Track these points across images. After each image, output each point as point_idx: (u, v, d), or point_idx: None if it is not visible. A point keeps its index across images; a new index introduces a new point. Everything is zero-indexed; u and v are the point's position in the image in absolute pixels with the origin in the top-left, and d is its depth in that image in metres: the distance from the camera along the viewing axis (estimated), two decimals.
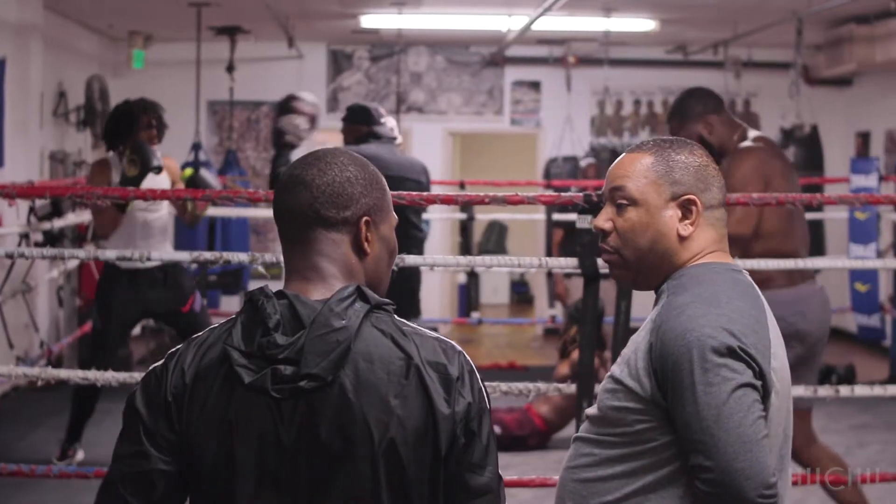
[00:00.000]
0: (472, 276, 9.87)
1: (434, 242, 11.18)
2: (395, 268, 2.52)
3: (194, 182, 6.66)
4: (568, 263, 4.86)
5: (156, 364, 2.31)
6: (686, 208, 2.60)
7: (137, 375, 4.68)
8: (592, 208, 4.76)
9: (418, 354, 2.22)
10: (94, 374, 4.67)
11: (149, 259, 4.49)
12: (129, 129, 6.70)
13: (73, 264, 8.89)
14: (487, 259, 4.96)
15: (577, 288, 9.37)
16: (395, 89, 12.99)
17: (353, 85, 13.16)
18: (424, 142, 12.89)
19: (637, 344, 2.55)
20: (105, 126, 6.95)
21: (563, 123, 12.84)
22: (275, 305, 2.19)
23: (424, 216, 8.30)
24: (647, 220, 2.60)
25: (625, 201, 2.61)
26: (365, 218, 2.31)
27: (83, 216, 8.00)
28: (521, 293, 16.01)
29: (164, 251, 6.92)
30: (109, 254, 4.57)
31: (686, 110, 5.31)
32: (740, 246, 5.03)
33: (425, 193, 5.38)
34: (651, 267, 2.64)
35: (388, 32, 12.01)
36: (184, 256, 4.67)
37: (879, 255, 9.15)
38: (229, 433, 2.17)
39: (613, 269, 2.71)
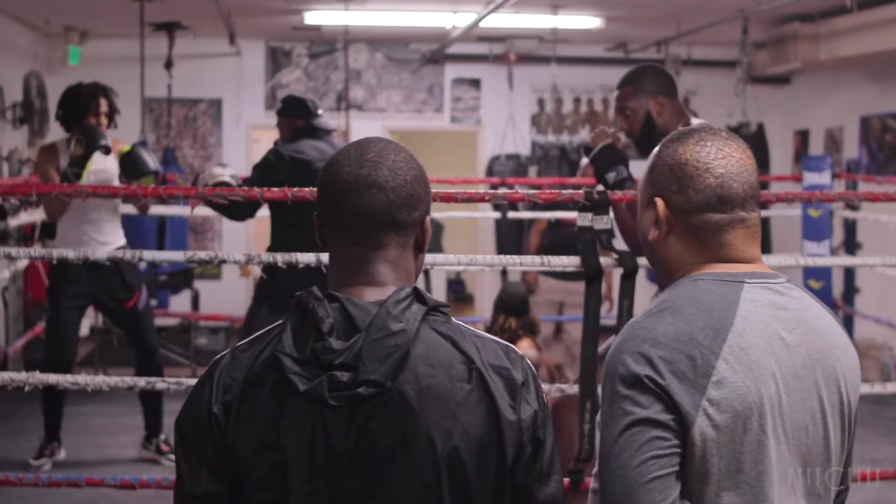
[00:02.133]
0: (425, 273, 9.80)
1: None
2: None
3: (130, 158, 6.53)
4: (570, 262, 4.79)
5: (200, 376, 2.21)
6: (654, 211, 2.39)
7: (128, 380, 4.53)
8: (593, 206, 4.71)
9: (480, 358, 2.13)
10: (83, 379, 4.52)
11: (141, 259, 4.35)
12: (79, 111, 6.77)
13: (21, 265, 8.70)
14: (489, 258, 4.89)
15: (544, 285, 9.35)
16: (334, 87, 12.88)
17: (292, 82, 13.01)
18: None
19: None
20: (57, 109, 6.94)
21: (503, 121, 12.80)
22: (326, 309, 2.10)
23: None
24: (639, 219, 2.47)
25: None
26: (427, 217, 2.24)
27: (35, 216, 7.83)
28: (457, 292, 15.94)
29: (116, 231, 7.11)
30: (101, 254, 4.42)
31: (643, 82, 5.19)
32: None
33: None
34: (655, 270, 2.49)
35: (329, 29, 11.90)
36: (178, 256, 4.53)
37: (833, 252, 9.22)
38: (280, 444, 2.07)
39: None
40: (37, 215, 7.82)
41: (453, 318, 2.19)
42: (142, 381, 4.43)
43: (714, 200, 2.34)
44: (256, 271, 13.96)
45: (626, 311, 4.75)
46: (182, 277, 9.86)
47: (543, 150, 12.16)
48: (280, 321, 2.17)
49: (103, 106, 6.85)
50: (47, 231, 8.44)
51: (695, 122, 5.24)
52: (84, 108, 6.77)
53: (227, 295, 12.45)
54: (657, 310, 2.29)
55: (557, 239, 9.30)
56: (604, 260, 4.75)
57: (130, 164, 6.49)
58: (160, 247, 9.15)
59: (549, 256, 4.83)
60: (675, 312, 2.26)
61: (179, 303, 11.11)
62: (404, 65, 13.20)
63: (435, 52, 12.92)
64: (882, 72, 11.28)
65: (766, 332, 2.27)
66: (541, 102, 13.19)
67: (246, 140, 13.02)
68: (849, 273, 9.88)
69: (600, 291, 4.75)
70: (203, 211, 9.93)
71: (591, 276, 4.72)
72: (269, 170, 5.94)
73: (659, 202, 2.38)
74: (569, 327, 9.55)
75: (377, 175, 2.16)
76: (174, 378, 4.67)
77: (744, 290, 2.30)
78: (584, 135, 13.10)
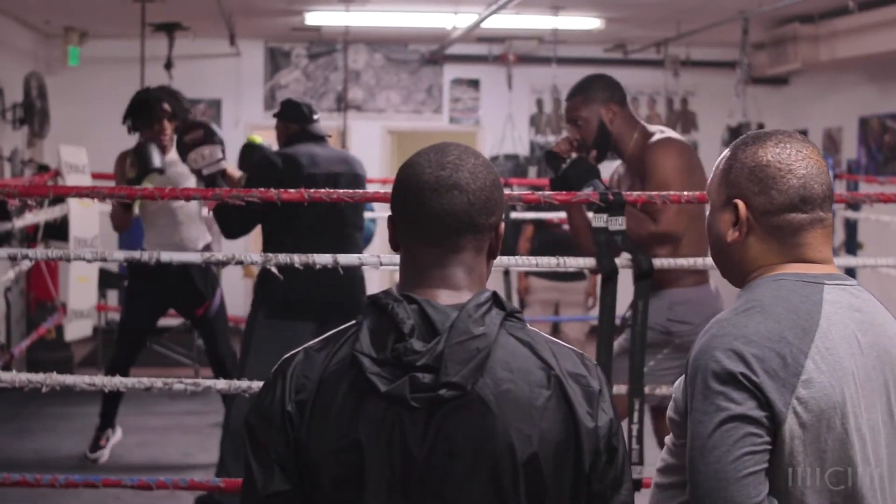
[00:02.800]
0: None
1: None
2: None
3: (139, 152, 6.52)
4: (586, 263, 4.80)
5: (271, 375, 2.20)
6: (734, 212, 2.42)
7: (146, 381, 4.54)
8: (608, 207, 4.72)
9: (558, 364, 2.14)
10: (99, 380, 4.52)
11: (158, 261, 4.35)
12: (148, 118, 6.86)
13: (25, 265, 8.69)
14: (504, 259, 4.90)
15: (536, 285, 9.33)
16: (334, 87, 12.89)
17: (291, 83, 13.02)
18: (362, 140, 12.77)
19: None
20: (125, 114, 7.00)
21: (502, 122, 12.81)
22: (406, 310, 2.10)
23: (370, 215, 8.23)
24: (710, 221, 2.49)
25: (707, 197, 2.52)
26: (501, 223, 2.25)
27: (39, 217, 7.82)
28: None
29: (201, 233, 7.21)
30: (118, 255, 4.43)
31: (593, 91, 5.17)
32: (672, 243, 4.98)
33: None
34: (723, 270, 2.53)
35: (328, 30, 11.91)
36: (195, 258, 4.53)
37: (834, 252, 9.23)
38: (357, 445, 2.06)
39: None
40: (41, 216, 7.80)
41: (528, 325, 2.20)
42: (159, 383, 4.43)
43: (797, 201, 2.38)
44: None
45: (640, 311, 4.76)
46: None
47: (543, 150, 12.18)
48: (353, 322, 2.17)
49: (167, 110, 6.88)
50: (51, 232, 8.43)
51: (651, 129, 5.22)
52: (151, 114, 6.86)
53: (226, 295, 12.40)
54: (744, 308, 2.34)
55: (546, 240, 9.30)
56: (618, 260, 4.76)
57: (139, 159, 6.48)
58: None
59: (563, 258, 4.84)
60: (764, 311, 2.31)
61: None
62: (403, 65, 13.21)
63: (434, 52, 12.94)
64: (881, 73, 11.31)
65: (846, 333, 2.32)
66: (539, 103, 13.21)
67: (245, 140, 12.98)
68: (850, 273, 9.89)
69: (615, 292, 4.75)
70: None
71: (607, 275, 4.74)
72: (261, 176, 5.92)
73: (740, 204, 2.41)
74: (565, 327, 9.56)
75: (458, 177, 2.16)
76: (191, 379, 4.68)
77: (825, 292, 2.35)
78: None
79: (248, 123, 12.95)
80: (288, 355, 2.21)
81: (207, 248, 7.25)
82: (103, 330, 9.90)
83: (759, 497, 2.20)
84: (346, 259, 4.61)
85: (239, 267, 12.47)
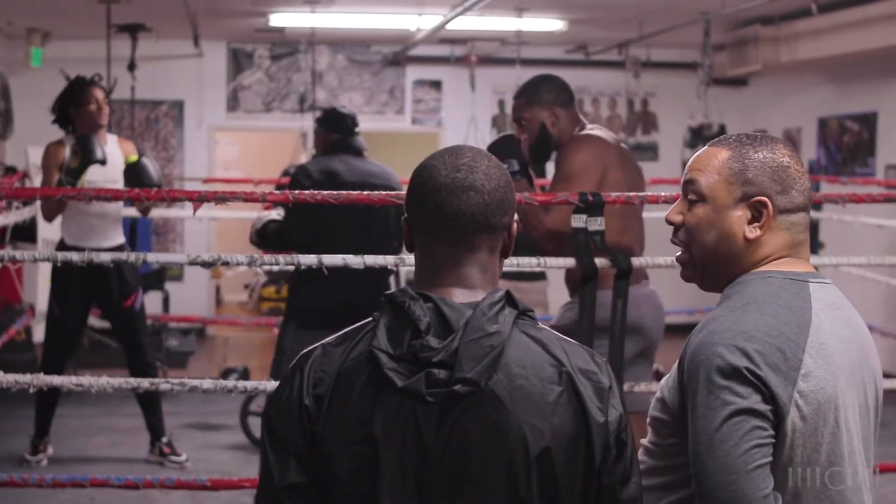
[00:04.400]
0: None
1: None
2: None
3: (136, 169, 6.58)
4: (566, 262, 4.87)
5: (289, 370, 2.26)
6: (757, 210, 2.46)
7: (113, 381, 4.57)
8: (587, 208, 4.79)
9: (569, 361, 2.20)
10: (87, 380, 4.55)
11: (145, 261, 4.40)
12: (76, 108, 6.90)
13: None
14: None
15: (522, 286, 9.40)
16: (296, 88, 12.91)
17: (254, 84, 13.03)
18: None
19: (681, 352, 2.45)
20: (52, 107, 7.04)
21: (465, 123, 12.86)
22: (422, 308, 2.16)
23: None
24: (713, 219, 2.48)
25: (695, 196, 2.50)
26: (514, 223, 2.31)
27: (10, 218, 7.81)
28: None
29: (117, 234, 7.17)
30: (105, 256, 4.45)
31: (537, 93, 5.24)
32: (555, 240, 5.02)
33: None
34: (716, 268, 2.52)
35: (291, 31, 11.91)
36: (181, 258, 4.57)
37: None
38: (373, 438, 2.12)
39: (682, 268, 2.58)
40: (11, 217, 7.80)
41: (540, 323, 2.26)
42: (146, 383, 4.47)
43: (809, 201, 2.51)
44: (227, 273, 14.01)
45: (619, 311, 4.83)
46: (154, 279, 9.86)
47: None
48: (370, 318, 2.23)
49: (99, 94, 6.95)
50: (20, 233, 8.42)
51: (589, 127, 5.28)
52: (80, 98, 6.90)
53: (191, 297, 12.45)
54: (739, 305, 2.39)
55: None
56: (597, 260, 4.83)
57: (135, 176, 6.53)
58: (132, 248, 9.14)
59: (545, 258, 4.91)
60: (760, 308, 2.37)
61: (148, 304, 11.07)
62: (366, 67, 13.24)
63: (396, 54, 12.97)
64: (840, 74, 11.47)
65: (833, 329, 2.39)
66: (501, 104, 13.28)
67: (208, 142, 13.02)
68: None
69: (595, 292, 4.82)
70: (165, 212, 9.97)
71: (587, 275, 4.80)
72: (296, 187, 5.93)
73: (767, 201, 2.46)
74: None
75: (474, 178, 2.22)
76: (177, 379, 4.71)
77: (811, 289, 2.42)
78: None
79: (210, 124, 12.96)
80: (306, 351, 2.26)
81: (121, 248, 7.23)
82: None
83: (767, 489, 2.25)
84: (355, 260, 4.72)
85: (200, 269, 12.50)
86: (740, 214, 2.47)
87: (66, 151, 6.73)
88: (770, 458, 2.29)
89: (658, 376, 6.26)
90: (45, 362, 6.93)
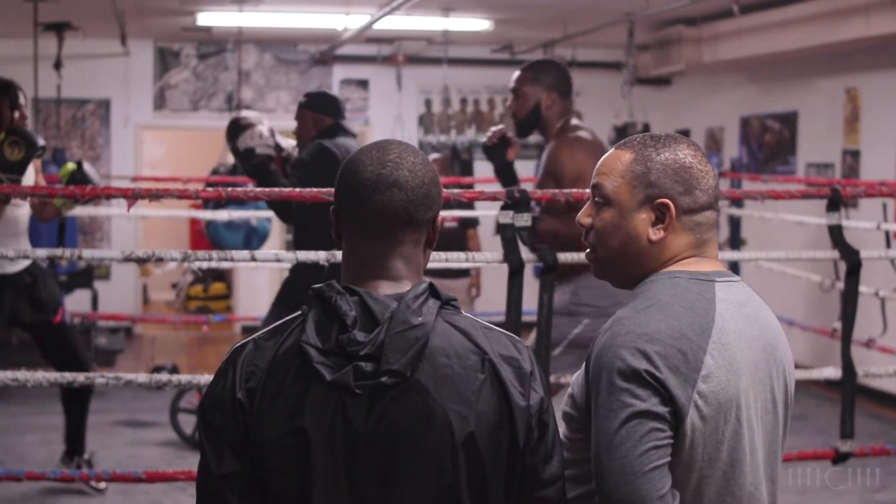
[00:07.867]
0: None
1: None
2: None
3: (79, 177, 6.38)
4: (493, 258, 4.98)
5: (221, 364, 2.32)
6: (660, 212, 2.48)
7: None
8: (515, 204, 4.90)
9: (491, 349, 2.27)
10: (23, 375, 4.59)
11: (80, 257, 4.42)
12: (14, 99, 6.36)
13: None
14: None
15: (447, 284, 9.49)
16: (223, 87, 12.94)
17: (181, 83, 13.03)
18: None
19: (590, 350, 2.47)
20: None
21: (391, 122, 12.93)
22: (349, 302, 2.23)
23: None
24: (618, 222, 2.51)
25: (601, 200, 2.53)
26: (438, 216, 2.38)
27: None
28: None
29: (26, 247, 6.48)
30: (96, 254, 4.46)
31: (543, 73, 5.44)
32: (551, 242, 5.12)
33: None
34: (623, 270, 2.55)
35: (218, 30, 11.93)
36: (115, 255, 4.61)
37: (719, 247, 9.51)
38: (304, 429, 2.19)
39: (593, 267, 2.63)
40: None
41: (463, 312, 2.34)
42: (81, 377, 4.52)
43: (713, 200, 2.53)
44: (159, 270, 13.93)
45: (546, 305, 4.94)
46: (82, 277, 9.84)
47: (434, 149, 12.34)
48: (298, 312, 2.30)
49: (22, 98, 6.42)
50: None
51: (573, 126, 5.44)
52: (15, 97, 6.36)
53: (118, 294, 12.43)
54: (643, 306, 2.43)
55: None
56: (524, 255, 4.95)
57: (24, 139, 5.99)
58: (60, 247, 9.12)
59: (475, 253, 5.02)
60: (663, 309, 2.41)
61: (76, 303, 11.08)
62: (293, 66, 13.28)
63: (323, 53, 13.02)
64: (761, 74, 11.68)
65: (738, 328, 2.45)
66: (428, 103, 13.38)
67: (134, 141, 12.99)
68: (734, 267, 10.20)
69: (522, 285, 4.93)
70: (93, 211, 9.95)
71: (513, 270, 4.91)
72: (323, 165, 5.88)
73: (670, 203, 2.48)
74: None
75: (398, 175, 2.28)
76: (112, 374, 4.76)
77: (716, 289, 2.47)
78: (470, 135, 13.32)
79: (137, 123, 12.95)
80: (238, 345, 2.33)
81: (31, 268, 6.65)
82: None
83: (663, 489, 2.31)
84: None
85: (126, 267, 12.49)
86: (644, 217, 2.50)
87: None
88: (668, 459, 2.34)
89: None
90: None
